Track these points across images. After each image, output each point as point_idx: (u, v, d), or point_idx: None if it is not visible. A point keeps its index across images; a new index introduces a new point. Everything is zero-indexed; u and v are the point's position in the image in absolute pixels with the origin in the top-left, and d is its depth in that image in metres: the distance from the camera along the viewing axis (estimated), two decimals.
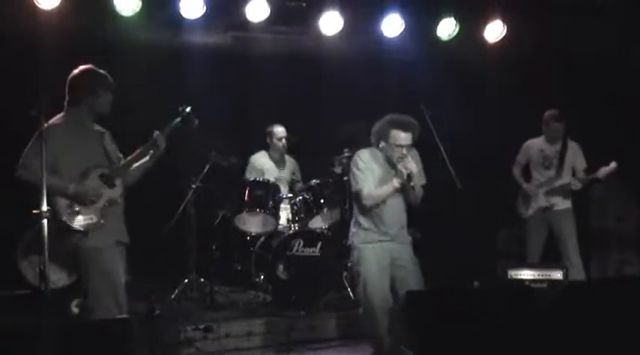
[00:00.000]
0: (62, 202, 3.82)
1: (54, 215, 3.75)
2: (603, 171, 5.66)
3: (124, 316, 3.73)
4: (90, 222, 3.86)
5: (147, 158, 4.16)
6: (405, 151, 4.27)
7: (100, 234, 3.88)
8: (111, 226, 3.94)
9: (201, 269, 5.84)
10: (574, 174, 5.87)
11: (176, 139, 4.33)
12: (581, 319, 3.38)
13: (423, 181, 4.46)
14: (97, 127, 4.14)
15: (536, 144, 6.05)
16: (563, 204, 5.89)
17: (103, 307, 3.82)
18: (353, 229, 4.47)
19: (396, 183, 4.26)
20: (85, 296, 3.94)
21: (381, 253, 4.32)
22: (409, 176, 4.22)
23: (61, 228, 3.82)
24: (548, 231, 5.94)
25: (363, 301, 4.33)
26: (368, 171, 4.35)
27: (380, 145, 4.36)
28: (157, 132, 4.14)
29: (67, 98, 4.04)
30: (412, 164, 4.26)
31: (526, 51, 6.34)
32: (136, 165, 4.14)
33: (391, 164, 4.33)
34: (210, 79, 6.20)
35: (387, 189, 4.29)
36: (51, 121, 3.91)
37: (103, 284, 3.85)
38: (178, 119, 4.30)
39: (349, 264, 4.71)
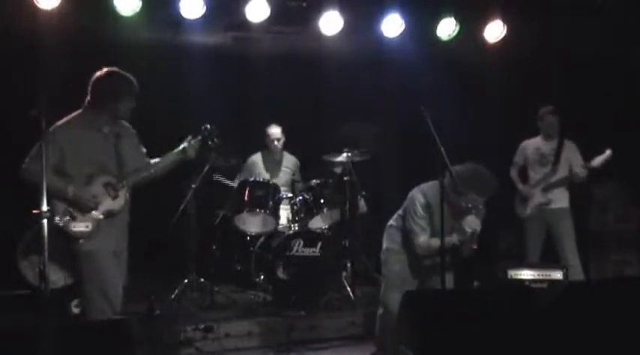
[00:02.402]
0: (60, 206, 3.78)
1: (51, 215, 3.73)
2: (598, 159, 5.67)
3: (124, 316, 3.73)
4: (84, 229, 3.81)
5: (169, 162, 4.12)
6: (474, 211, 4.09)
7: (97, 238, 3.84)
8: (109, 234, 3.89)
9: (201, 270, 5.84)
10: (570, 171, 5.86)
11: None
12: (581, 319, 3.37)
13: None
14: (117, 128, 4.00)
15: (532, 144, 6.05)
16: (560, 202, 5.88)
17: (96, 309, 3.81)
18: (390, 230, 4.44)
19: (455, 240, 4.08)
20: (81, 296, 3.93)
21: (407, 268, 4.33)
22: (472, 235, 4.06)
23: (55, 230, 3.79)
24: (547, 231, 5.94)
25: (382, 302, 4.41)
26: (425, 219, 4.19)
27: (450, 196, 4.11)
28: (188, 140, 4.10)
29: (87, 98, 3.90)
30: (477, 222, 4.07)
31: (526, 51, 6.35)
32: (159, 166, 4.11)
33: (452, 210, 4.12)
34: (210, 79, 6.19)
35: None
36: (63, 120, 3.86)
37: (96, 286, 3.82)
38: (199, 137, 4.19)
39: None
